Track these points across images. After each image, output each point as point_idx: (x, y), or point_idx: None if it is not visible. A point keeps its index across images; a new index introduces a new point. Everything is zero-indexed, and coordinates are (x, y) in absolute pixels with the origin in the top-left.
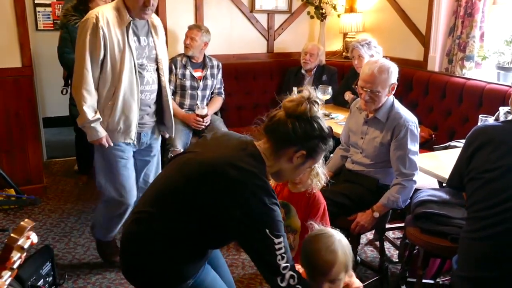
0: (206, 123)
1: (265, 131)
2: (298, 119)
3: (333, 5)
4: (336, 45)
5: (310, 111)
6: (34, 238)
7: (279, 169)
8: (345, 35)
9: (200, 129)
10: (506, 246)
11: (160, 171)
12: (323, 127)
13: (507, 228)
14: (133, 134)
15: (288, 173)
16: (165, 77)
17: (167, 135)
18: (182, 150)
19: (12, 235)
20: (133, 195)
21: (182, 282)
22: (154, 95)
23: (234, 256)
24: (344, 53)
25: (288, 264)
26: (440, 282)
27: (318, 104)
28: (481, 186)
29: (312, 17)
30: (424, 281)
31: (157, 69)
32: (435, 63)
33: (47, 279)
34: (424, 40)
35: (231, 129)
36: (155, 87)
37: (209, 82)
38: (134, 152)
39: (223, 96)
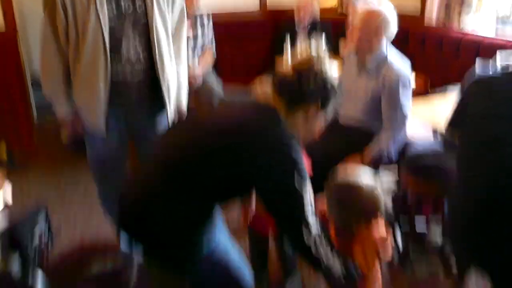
0: (199, 83)
1: (277, 93)
2: (309, 74)
3: None
4: (331, 1)
5: (319, 64)
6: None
7: (295, 129)
8: None
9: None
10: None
11: None
12: (332, 76)
13: (494, 180)
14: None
15: (303, 131)
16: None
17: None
18: None
19: None
20: None
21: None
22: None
23: None
24: (339, 10)
25: (315, 221)
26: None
27: (325, 55)
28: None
29: None
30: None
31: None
32: (432, 17)
33: (43, 238)
34: None
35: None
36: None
37: (200, 40)
38: None
39: (214, 48)
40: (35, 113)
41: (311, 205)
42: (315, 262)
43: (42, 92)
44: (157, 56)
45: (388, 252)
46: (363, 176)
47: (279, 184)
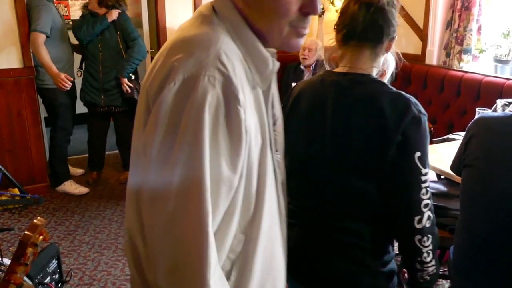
0: None
1: (359, 39)
2: (383, 7)
3: (331, 0)
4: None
5: None
6: (46, 235)
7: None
8: None
9: None
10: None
11: None
12: None
13: (494, 220)
14: None
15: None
16: None
17: None
18: None
19: (26, 232)
20: None
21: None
22: None
23: None
24: None
25: (429, 202)
26: (440, 273)
27: None
28: (471, 173)
29: None
30: None
31: None
32: (433, 57)
33: (54, 276)
34: (422, 34)
35: None
36: None
37: None
38: None
39: None
40: (47, 152)
41: (429, 183)
42: (416, 253)
43: None
44: None
45: None
46: None
47: (401, 160)
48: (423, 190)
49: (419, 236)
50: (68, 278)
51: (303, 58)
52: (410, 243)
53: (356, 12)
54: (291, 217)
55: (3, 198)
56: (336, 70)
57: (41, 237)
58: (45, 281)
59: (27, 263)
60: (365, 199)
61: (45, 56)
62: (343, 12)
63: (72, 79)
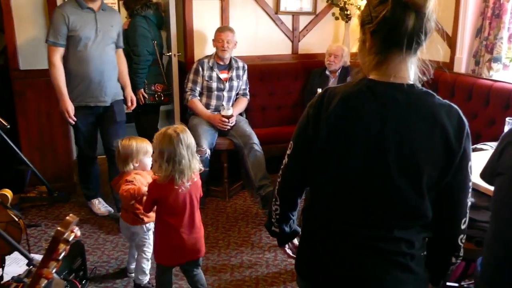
0: (231, 123)
1: (403, 46)
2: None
3: (358, 6)
4: None
5: None
6: (77, 232)
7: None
8: None
9: (226, 129)
10: None
11: None
12: None
13: None
14: None
15: None
16: None
17: None
18: (208, 151)
19: (59, 228)
20: None
21: None
22: None
23: (258, 255)
24: None
25: (469, 202)
26: (465, 286)
27: None
28: (505, 181)
29: (337, 18)
30: (448, 284)
31: None
32: (462, 65)
33: (78, 273)
34: (451, 41)
35: (256, 130)
36: None
37: (235, 83)
38: None
39: (248, 97)
40: (74, 150)
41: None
42: (456, 250)
43: None
44: None
45: None
46: None
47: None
48: (469, 194)
49: (462, 236)
50: (92, 275)
51: (329, 63)
52: (454, 242)
53: (403, 18)
54: (334, 228)
55: (31, 195)
56: (377, 78)
57: (72, 234)
58: (70, 277)
59: (59, 259)
60: (420, 212)
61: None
62: (387, 17)
63: None
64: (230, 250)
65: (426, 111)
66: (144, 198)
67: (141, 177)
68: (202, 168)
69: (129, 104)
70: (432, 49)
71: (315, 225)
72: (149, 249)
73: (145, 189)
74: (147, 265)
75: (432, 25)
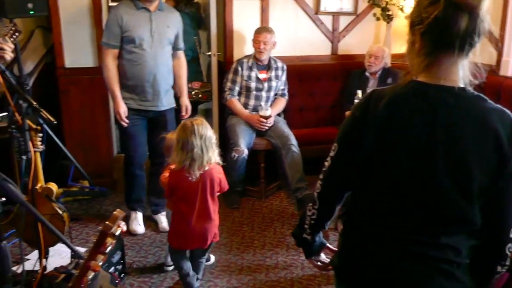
0: (269, 124)
1: (455, 48)
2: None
3: (400, 6)
4: (403, 48)
5: None
6: (123, 227)
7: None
8: None
9: (264, 130)
10: None
11: None
12: None
13: None
14: None
15: None
16: None
17: None
18: (245, 150)
19: (107, 223)
20: None
21: None
22: None
23: (293, 256)
24: None
25: None
26: None
27: None
28: None
29: (378, 19)
30: None
31: None
32: (509, 68)
33: (117, 267)
34: (498, 43)
35: (293, 131)
36: None
37: (274, 83)
38: None
39: (286, 97)
40: (115, 147)
41: None
42: (503, 258)
43: None
44: None
45: None
46: None
47: None
48: None
49: (510, 244)
50: (130, 270)
51: (369, 65)
52: (501, 251)
53: (455, 19)
54: (377, 231)
55: (74, 189)
56: (426, 81)
57: (119, 228)
58: (110, 270)
59: (106, 252)
60: (468, 218)
61: None
62: (438, 17)
63: None
64: (265, 251)
65: (477, 115)
66: None
67: None
68: (220, 162)
69: (184, 113)
70: (483, 51)
71: (357, 229)
72: None
73: None
74: None
75: (486, 27)
